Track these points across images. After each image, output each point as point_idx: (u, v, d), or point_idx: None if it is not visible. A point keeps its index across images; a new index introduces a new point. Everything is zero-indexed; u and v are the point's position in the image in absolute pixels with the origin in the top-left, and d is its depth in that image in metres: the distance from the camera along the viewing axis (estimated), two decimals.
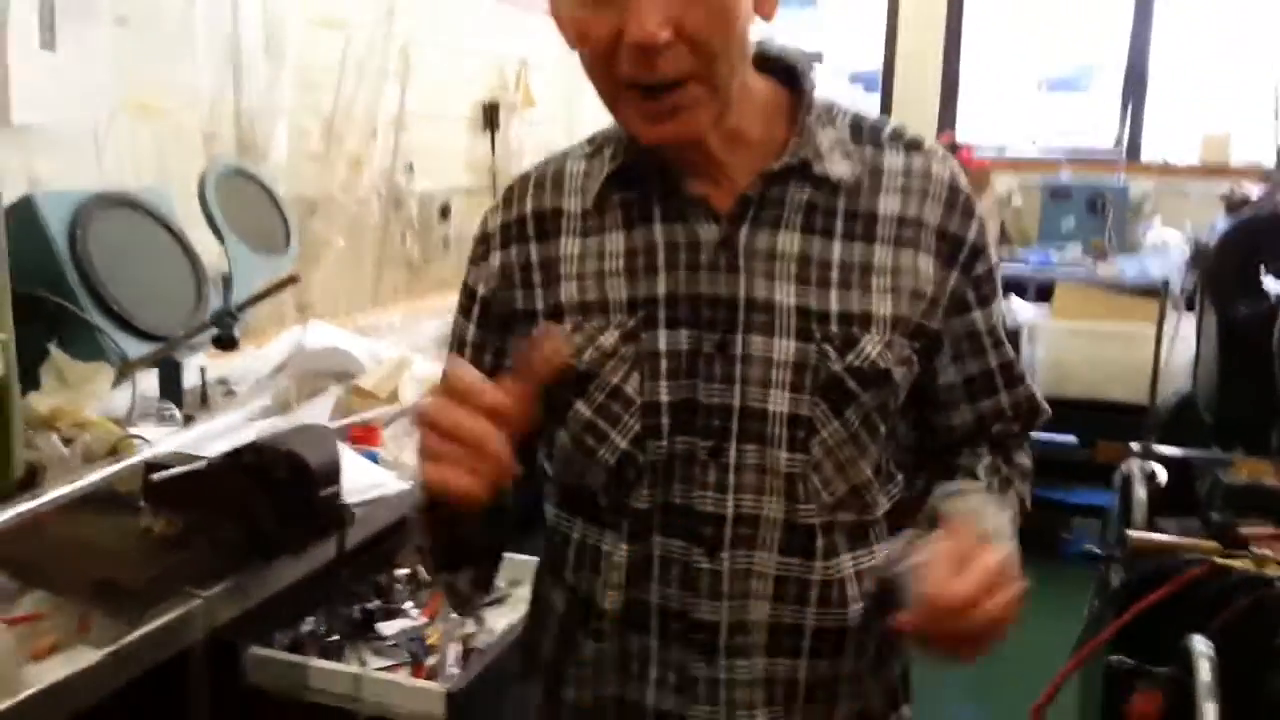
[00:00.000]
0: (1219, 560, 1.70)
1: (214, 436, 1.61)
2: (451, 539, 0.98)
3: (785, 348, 0.94)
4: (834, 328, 0.95)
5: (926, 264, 0.98)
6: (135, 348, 1.58)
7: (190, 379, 1.85)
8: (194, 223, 1.79)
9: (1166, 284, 3.66)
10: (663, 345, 0.96)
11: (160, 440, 1.54)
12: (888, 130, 1.02)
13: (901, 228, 0.98)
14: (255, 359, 2.04)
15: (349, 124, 2.45)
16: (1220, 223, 3.25)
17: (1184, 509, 2.33)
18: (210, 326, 1.49)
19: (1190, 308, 3.40)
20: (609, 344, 0.97)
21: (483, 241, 1.06)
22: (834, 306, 0.95)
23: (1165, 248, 3.86)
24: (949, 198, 0.99)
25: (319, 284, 2.45)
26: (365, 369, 1.94)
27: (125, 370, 1.56)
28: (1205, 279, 3.04)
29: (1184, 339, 3.55)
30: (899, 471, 1.05)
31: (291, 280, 1.40)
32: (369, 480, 1.56)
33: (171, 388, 1.79)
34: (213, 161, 1.79)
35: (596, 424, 0.98)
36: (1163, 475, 2.36)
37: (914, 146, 1.01)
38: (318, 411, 1.67)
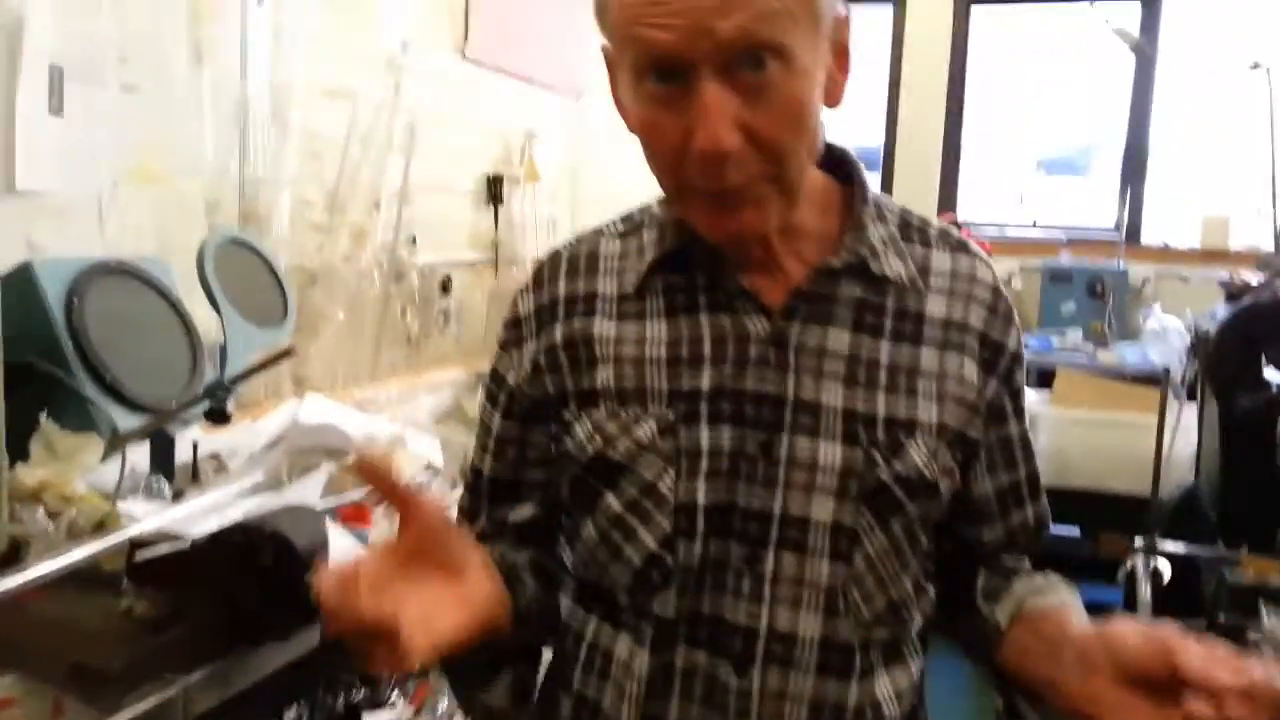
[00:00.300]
0: None
1: (202, 513, 1.57)
2: (469, 659, 0.90)
3: (831, 452, 0.90)
4: (880, 434, 0.91)
5: (971, 370, 0.95)
6: (127, 420, 1.55)
7: (183, 452, 1.81)
8: (194, 293, 1.77)
9: (1167, 373, 3.65)
10: (705, 443, 0.91)
11: (147, 517, 1.49)
12: (935, 229, 1.00)
13: (948, 331, 0.95)
14: (249, 433, 2.00)
15: (353, 195, 2.45)
16: (1220, 310, 3.26)
17: (1189, 606, 2.29)
18: (203, 399, 1.46)
19: (1192, 397, 3.39)
20: (645, 436, 0.93)
21: (514, 326, 1.03)
22: (881, 411, 0.91)
23: (1166, 334, 3.86)
24: (992, 302, 0.97)
25: (317, 356, 2.43)
26: (358, 446, 1.91)
27: (116, 443, 1.52)
28: (1206, 369, 3.04)
29: (1187, 429, 3.53)
30: (930, 584, 1.00)
31: (286, 354, 1.38)
32: None
33: (163, 461, 1.75)
34: (213, 231, 1.78)
35: (625, 520, 0.93)
36: (1167, 572, 2.33)
37: (960, 247, 0.99)
38: (308, 490, 1.63)
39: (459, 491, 1.97)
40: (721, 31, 0.79)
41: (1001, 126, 5.69)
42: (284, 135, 2.25)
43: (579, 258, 1.02)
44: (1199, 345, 3.16)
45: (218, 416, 1.46)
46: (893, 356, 0.93)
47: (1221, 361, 2.87)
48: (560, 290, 1.00)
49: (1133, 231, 5.17)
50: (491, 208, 3.26)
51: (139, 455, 1.74)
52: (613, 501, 0.94)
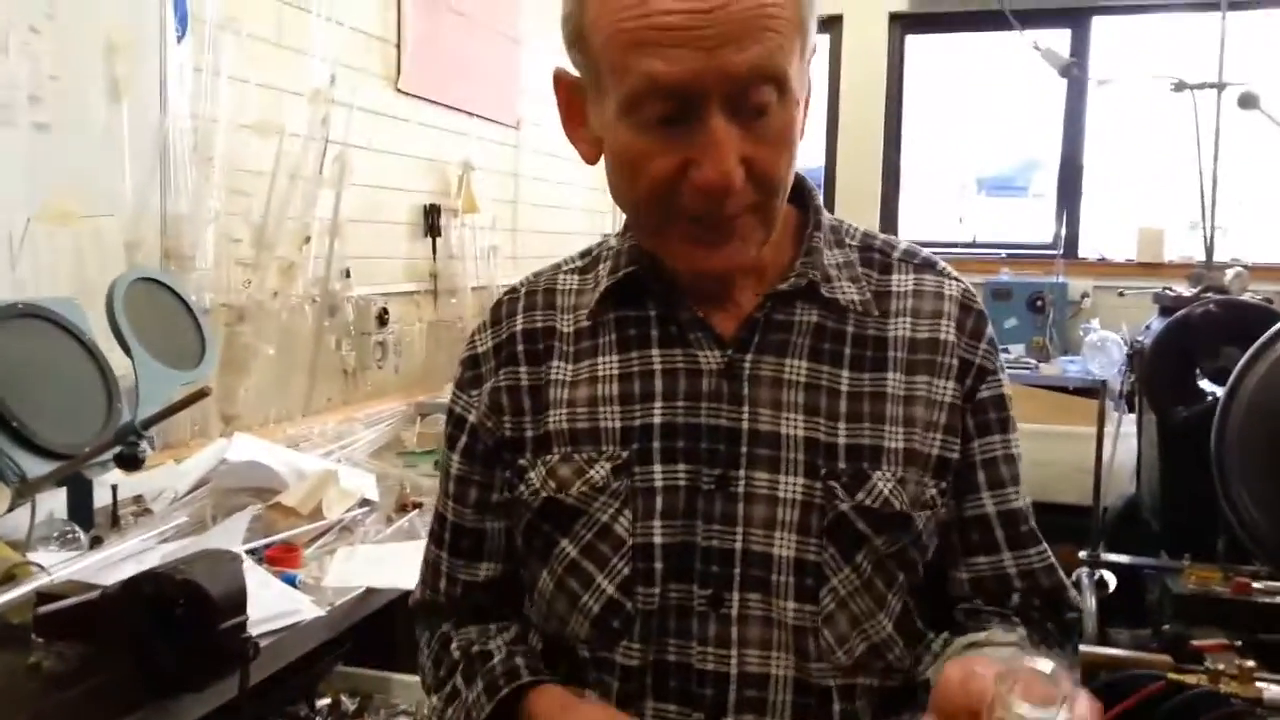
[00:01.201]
0: (1174, 676, 1.65)
1: (118, 561, 1.51)
2: None
3: (791, 485, 0.87)
4: (842, 464, 0.87)
5: (944, 389, 0.91)
6: (36, 466, 1.49)
7: (104, 497, 1.76)
8: (110, 335, 1.72)
9: (1105, 385, 3.69)
10: (658, 481, 0.88)
11: (58, 566, 1.44)
12: (899, 251, 0.97)
13: (914, 351, 0.91)
14: (174, 474, 1.95)
15: (281, 230, 2.40)
16: (1155, 323, 3.30)
17: (1134, 616, 2.30)
18: (113, 445, 1.40)
19: (1132, 409, 3.43)
20: (599, 478, 0.89)
21: (472, 365, 1.00)
22: (842, 440, 0.88)
23: (1105, 347, 3.90)
24: (960, 317, 0.93)
25: (248, 394, 2.37)
26: (287, 484, 1.86)
27: (24, 490, 1.46)
28: (1142, 381, 3.07)
29: (1127, 438, 3.57)
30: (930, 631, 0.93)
31: (201, 395, 1.33)
32: (285, 606, 1.47)
33: (80, 508, 1.69)
34: (125, 270, 1.73)
35: (582, 566, 0.90)
36: (1112, 582, 2.34)
37: (925, 266, 0.96)
38: (229, 533, 1.58)
39: (395, 526, 1.94)
40: (735, 66, 0.77)
41: (941, 148, 5.77)
42: (207, 171, 2.20)
43: (536, 294, 1.00)
44: (1136, 358, 3.20)
45: (129, 462, 1.40)
46: (854, 384, 0.90)
47: (1157, 374, 2.90)
48: (518, 327, 0.98)
49: (1070, 246, 5.26)
50: (429, 239, 3.23)
51: (56, 502, 1.68)
52: (568, 547, 0.91)
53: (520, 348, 0.97)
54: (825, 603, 0.86)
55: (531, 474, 0.93)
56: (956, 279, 0.97)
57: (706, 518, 0.87)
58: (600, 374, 0.93)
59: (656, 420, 0.89)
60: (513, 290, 1.02)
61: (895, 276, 0.95)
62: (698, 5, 0.76)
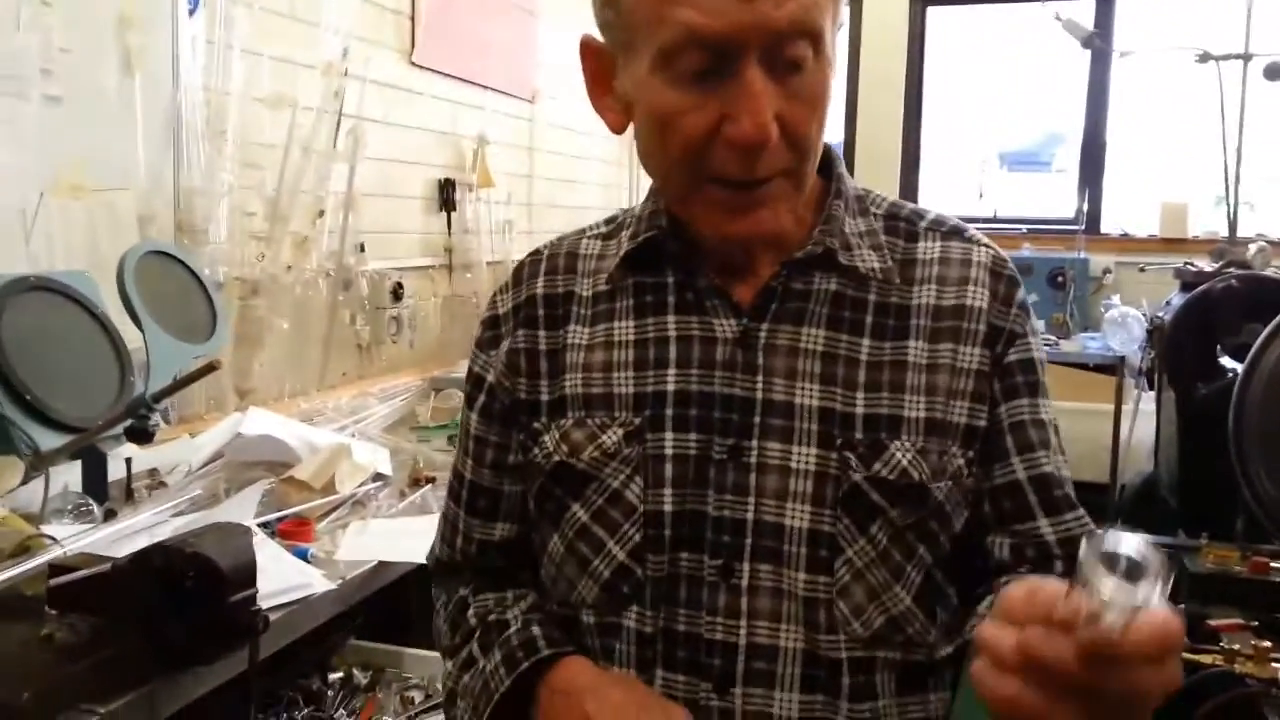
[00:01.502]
0: (1188, 655, 1.63)
1: (130, 534, 1.52)
2: None
3: (805, 455, 0.85)
4: (858, 434, 0.85)
5: (972, 355, 0.88)
6: (50, 439, 1.50)
7: (118, 470, 1.77)
8: (123, 308, 1.72)
9: (1124, 361, 3.65)
10: (670, 449, 0.87)
11: (71, 539, 1.45)
12: (927, 220, 0.95)
13: (939, 319, 0.89)
14: (188, 448, 1.96)
15: (295, 204, 2.40)
16: (1175, 299, 3.26)
17: None
18: (125, 418, 1.41)
19: (1151, 385, 3.40)
20: (611, 443, 0.89)
21: (492, 325, 1.00)
22: (860, 410, 0.86)
23: (1125, 323, 3.86)
24: (991, 283, 0.91)
25: (262, 368, 2.37)
26: (300, 458, 1.86)
27: (38, 463, 1.47)
28: (1162, 357, 3.03)
29: (1147, 416, 3.54)
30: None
31: (210, 368, 1.33)
32: (296, 579, 1.47)
33: (94, 481, 1.70)
34: (136, 243, 1.73)
35: (592, 531, 0.89)
36: None
37: (954, 234, 0.94)
38: (242, 507, 1.59)
39: (408, 501, 1.95)
40: (774, 18, 0.76)
41: (962, 122, 5.71)
42: (220, 145, 2.20)
43: (559, 257, 1.00)
44: (1156, 334, 3.16)
45: (139, 435, 1.41)
46: (874, 353, 0.88)
47: (1177, 350, 2.87)
48: (539, 289, 0.98)
49: (1092, 221, 5.20)
50: (444, 213, 3.22)
51: (71, 475, 1.70)
52: (579, 512, 0.90)
53: (540, 311, 0.97)
54: (840, 574, 0.84)
55: (545, 437, 0.93)
56: (987, 245, 0.95)
57: (718, 487, 0.86)
58: (616, 339, 0.93)
59: (670, 387, 0.89)
60: (535, 253, 1.02)
61: (921, 244, 0.93)
62: None
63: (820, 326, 0.89)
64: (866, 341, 0.88)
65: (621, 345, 0.92)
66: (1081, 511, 0.91)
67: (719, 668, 0.85)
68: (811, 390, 0.87)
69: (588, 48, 0.90)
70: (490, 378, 0.98)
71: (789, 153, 0.82)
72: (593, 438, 0.90)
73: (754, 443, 0.86)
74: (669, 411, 0.88)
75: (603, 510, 0.89)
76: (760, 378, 0.87)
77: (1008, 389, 0.90)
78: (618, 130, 0.90)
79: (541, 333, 0.96)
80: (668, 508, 0.87)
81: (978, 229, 0.97)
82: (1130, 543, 0.55)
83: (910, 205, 0.97)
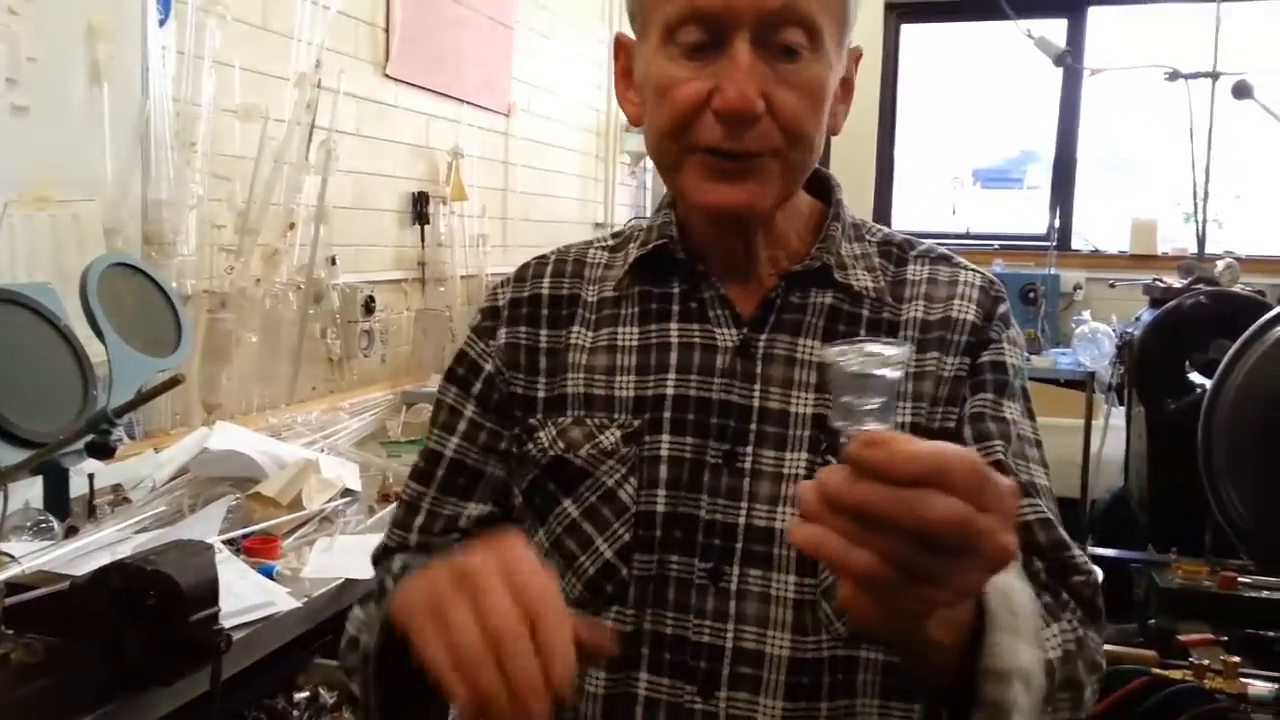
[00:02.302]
0: (1158, 671, 1.64)
1: (91, 551, 1.50)
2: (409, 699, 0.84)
3: (795, 461, 0.88)
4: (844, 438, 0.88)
5: (950, 365, 0.92)
6: (9, 455, 1.47)
7: (81, 486, 1.74)
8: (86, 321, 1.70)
9: (1093, 376, 3.68)
10: (665, 450, 0.90)
11: (30, 556, 1.42)
12: (919, 249, 0.99)
13: (925, 331, 0.93)
14: (152, 463, 1.93)
15: (265, 216, 2.38)
16: (1145, 315, 3.29)
17: (1121, 610, 2.29)
18: (85, 433, 1.38)
19: (1122, 401, 3.42)
20: (609, 443, 0.91)
21: (492, 315, 1.01)
22: None
23: (1096, 339, 3.89)
24: (979, 298, 0.95)
25: (230, 382, 2.35)
26: (266, 474, 1.84)
27: None
28: (1131, 373, 3.06)
29: (1117, 430, 3.56)
30: None
31: (174, 383, 1.31)
32: (260, 598, 1.45)
33: (56, 497, 1.67)
34: (100, 255, 1.70)
35: (582, 527, 0.90)
36: (1099, 576, 2.32)
37: (941, 260, 0.98)
38: (206, 523, 1.57)
39: (377, 517, 1.92)
40: (767, 3, 0.82)
41: (935, 139, 5.75)
42: (190, 156, 2.17)
43: (566, 262, 1.02)
44: (1125, 349, 3.18)
45: (101, 451, 1.38)
46: None
47: (1146, 366, 2.89)
48: (544, 289, 1.00)
49: (1064, 238, 5.25)
50: (417, 226, 3.20)
51: (32, 491, 1.67)
52: (569, 508, 0.91)
53: (544, 310, 0.99)
54: (824, 574, 0.86)
55: (541, 433, 0.94)
56: (976, 270, 0.99)
57: (711, 491, 0.88)
58: (620, 344, 0.95)
59: (669, 392, 0.91)
60: (542, 256, 1.04)
61: (911, 267, 0.97)
62: None
63: (816, 338, 0.92)
64: None
65: (624, 350, 0.95)
66: (1039, 501, 0.90)
67: (704, 670, 0.86)
68: (806, 399, 0.90)
69: (619, 43, 0.97)
70: (489, 367, 0.99)
71: (778, 135, 0.85)
72: (590, 436, 0.92)
73: (749, 449, 0.89)
74: (667, 415, 0.91)
75: (595, 508, 0.90)
76: (758, 386, 0.90)
77: (975, 385, 0.93)
78: (635, 122, 0.94)
79: (543, 331, 0.98)
80: (660, 508, 0.89)
81: (952, 244, 1.00)
82: (862, 358, 0.58)
83: (903, 235, 1.02)
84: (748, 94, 0.82)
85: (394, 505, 1.85)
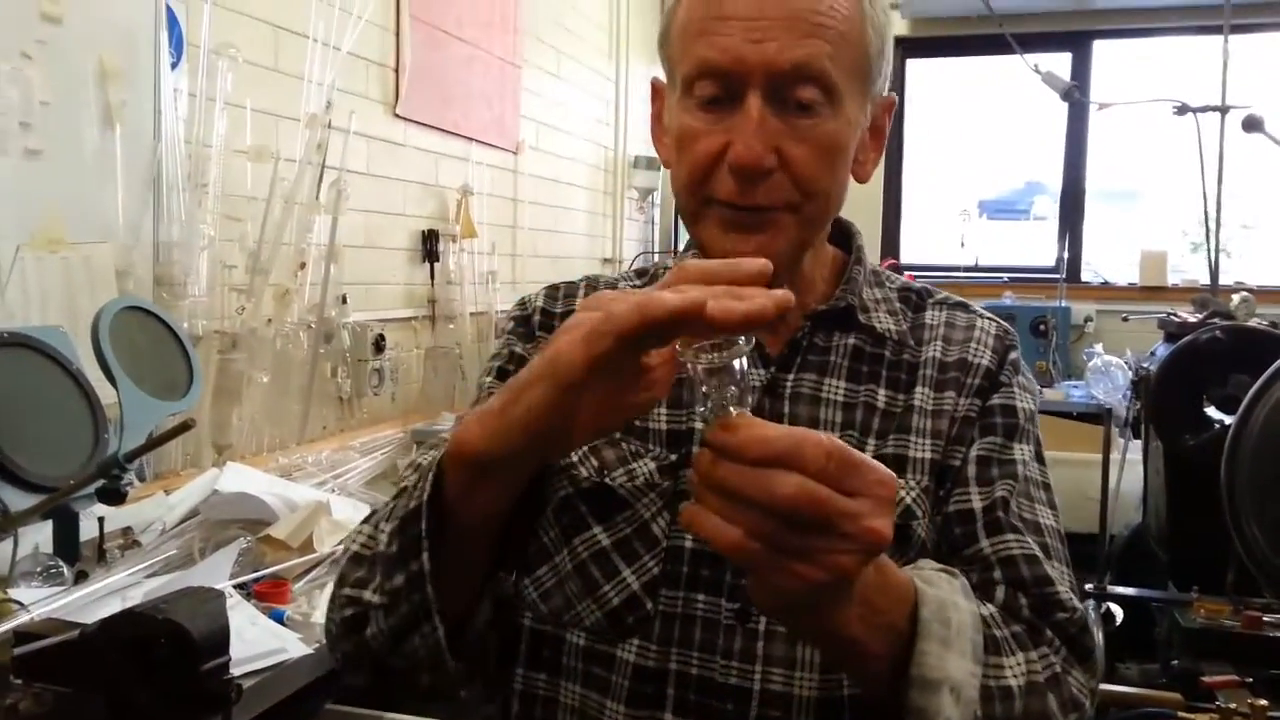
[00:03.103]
0: (1184, 716, 1.61)
1: (101, 597, 1.48)
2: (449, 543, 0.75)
3: None
4: None
5: (964, 406, 0.94)
6: (19, 500, 1.46)
7: (91, 529, 1.72)
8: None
9: (1110, 413, 3.65)
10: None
11: (39, 603, 1.40)
12: (936, 297, 1.03)
13: (943, 371, 0.95)
14: (163, 506, 1.91)
15: (276, 256, 2.38)
16: (1160, 349, 3.27)
17: (1143, 650, 2.26)
18: (96, 478, 1.37)
19: (1137, 435, 3.39)
20: (644, 473, 0.91)
21: (524, 323, 1.02)
22: (869, 452, 0.90)
23: (1109, 372, 3.87)
24: (994, 344, 0.97)
25: (241, 423, 2.34)
26: (277, 516, 1.82)
27: (6, 524, 1.43)
28: (1149, 409, 3.03)
29: (1133, 465, 3.53)
30: None
31: (185, 428, 1.30)
32: (271, 644, 1.43)
33: (66, 541, 1.66)
34: (112, 299, 1.70)
35: (610, 557, 0.89)
36: (1119, 615, 2.29)
37: (959, 307, 1.02)
38: (216, 568, 1.55)
39: None
40: (778, 61, 0.84)
41: (942, 172, 5.76)
42: (201, 197, 2.18)
43: (597, 288, 1.03)
44: (1141, 384, 3.16)
45: (111, 496, 1.37)
46: (889, 401, 0.94)
47: (1164, 401, 2.86)
48: (576, 308, 0.98)
49: (1073, 270, 5.24)
50: (427, 264, 3.20)
51: (42, 535, 1.65)
52: (600, 535, 0.90)
53: None
54: None
55: (572, 451, 0.94)
56: (992, 318, 1.02)
57: None
58: None
59: (700, 425, 0.92)
60: (571, 281, 1.06)
61: (929, 313, 1.00)
62: (754, 4, 0.84)
63: (841, 378, 0.94)
64: (883, 391, 0.94)
65: None
66: (1027, 538, 0.89)
67: (732, 713, 0.85)
68: (833, 437, 0.89)
69: (655, 88, 1.00)
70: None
71: (791, 189, 0.87)
72: (624, 460, 0.92)
73: None
74: (697, 449, 0.89)
75: (627, 539, 0.90)
76: (785, 424, 0.90)
77: (984, 427, 0.94)
78: (667, 164, 0.96)
79: None
80: (689, 544, 0.88)
81: (961, 277, 1.01)
82: (713, 353, 0.63)
83: (920, 284, 1.05)
84: (756, 150, 0.84)
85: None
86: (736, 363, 0.63)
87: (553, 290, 1.05)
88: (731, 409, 0.62)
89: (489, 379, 1.01)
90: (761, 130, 0.84)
